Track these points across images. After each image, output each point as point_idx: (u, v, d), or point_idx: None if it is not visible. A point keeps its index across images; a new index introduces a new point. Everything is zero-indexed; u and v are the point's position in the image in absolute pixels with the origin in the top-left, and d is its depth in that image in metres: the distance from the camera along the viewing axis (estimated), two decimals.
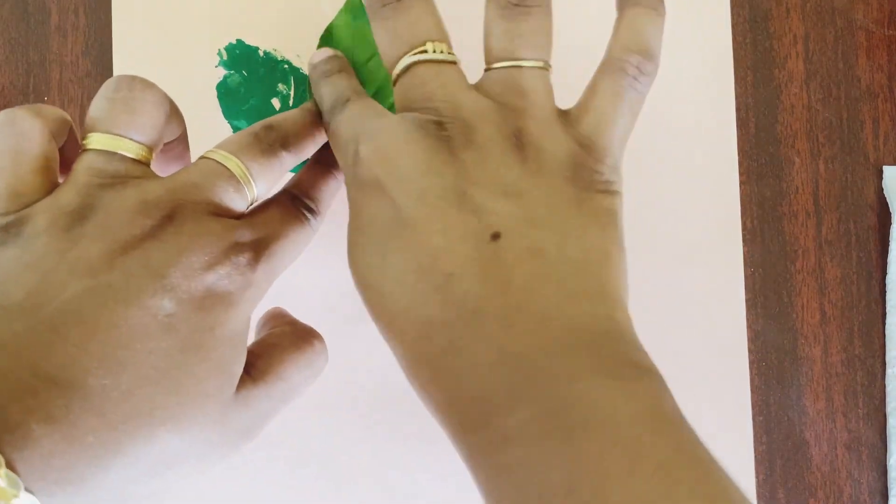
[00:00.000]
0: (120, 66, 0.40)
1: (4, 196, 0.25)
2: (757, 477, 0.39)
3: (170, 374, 0.23)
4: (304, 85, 0.39)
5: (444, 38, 0.29)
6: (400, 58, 0.28)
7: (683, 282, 0.40)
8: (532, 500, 0.21)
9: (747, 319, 0.40)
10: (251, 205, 0.28)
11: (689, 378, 0.39)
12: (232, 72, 0.39)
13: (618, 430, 0.21)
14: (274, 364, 0.27)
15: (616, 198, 0.27)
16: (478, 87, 0.28)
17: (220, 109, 0.39)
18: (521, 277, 0.24)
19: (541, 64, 0.28)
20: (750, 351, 0.40)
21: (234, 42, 0.39)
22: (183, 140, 0.31)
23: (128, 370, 0.22)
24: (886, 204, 0.40)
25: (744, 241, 0.40)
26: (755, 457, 0.39)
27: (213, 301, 0.24)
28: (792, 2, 0.41)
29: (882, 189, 0.40)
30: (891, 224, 0.40)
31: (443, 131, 0.26)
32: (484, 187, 0.25)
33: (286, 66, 0.39)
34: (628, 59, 0.28)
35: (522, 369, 0.23)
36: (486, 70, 0.29)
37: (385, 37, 0.29)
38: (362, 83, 0.38)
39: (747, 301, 0.40)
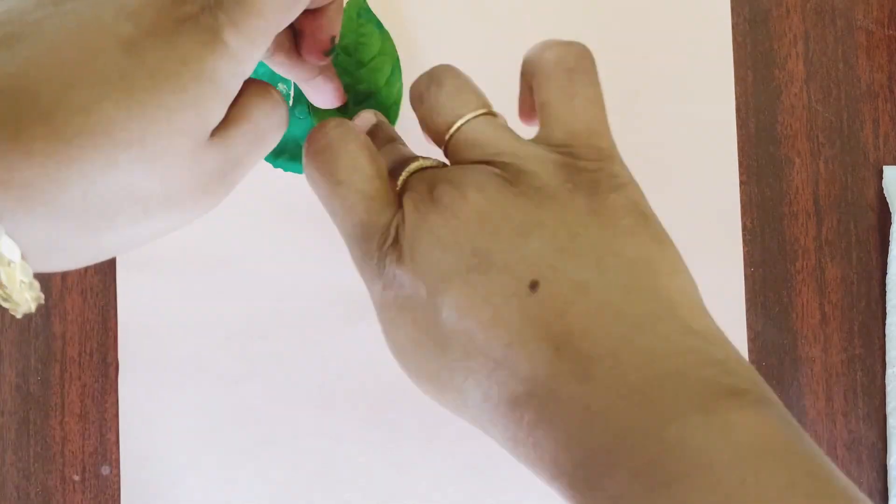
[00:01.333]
0: None
1: None
2: None
3: (135, 97, 0.22)
4: None
5: None
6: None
7: None
8: None
9: (747, 319, 0.40)
10: None
11: None
12: None
13: (717, 476, 0.20)
14: (240, 109, 0.26)
15: (628, 189, 0.25)
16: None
17: None
18: (578, 321, 0.23)
19: (482, 111, 0.28)
20: (750, 351, 0.40)
21: None
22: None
23: (84, 87, 0.22)
24: (886, 204, 0.40)
25: (744, 241, 0.40)
26: None
27: (186, 33, 0.23)
28: (792, 2, 0.41)
29: (880, 190, 0.40)
30: (891, 224, 0.40)
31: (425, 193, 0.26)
32: (497, 235, 0.24)
33: None
34: (560, 63, 0.27)
35: (611, 427, 0.22)
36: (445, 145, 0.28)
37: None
38: (360, 82, 0.38)
39: (747, 301, 0.40)
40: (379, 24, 0.37)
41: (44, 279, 0.39)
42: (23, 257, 0.21)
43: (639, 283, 0.23)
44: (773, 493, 0.19)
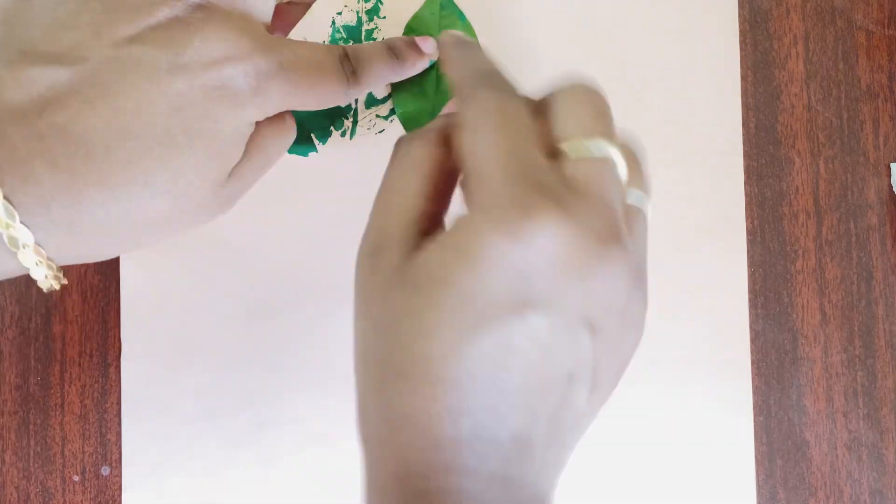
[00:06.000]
0: None
1: None
2: (757, 477, 0.39)
3: (173, 152, 0.25)
4: None
5: None
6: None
7: (685, 282, 0.40)
8: None
9: (748, 319, 0.40)
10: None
11: (690, 378, 0.39)
12: None
13: None
14: (255, 141, 0.28)
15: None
16: None
17: None
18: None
19: None
20: (750, 351, 0.40)
21: None
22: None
23: (133, 139, 0.24)
24: (886, 204, 0.40)
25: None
26: (755, 457, 0.39)
27: (223, 95, 0.26)
28: (792, 2, 0.41)
29: (880, 190, 0.40)
30: None
31: None
32: None
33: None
34: None
35: None
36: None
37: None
38: (441, 79, 0.37)
39: (748, 301, 0.40)
40: (462, 16, 0.37)
41: None
42: (38, 244, 0.25)
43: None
44: None
